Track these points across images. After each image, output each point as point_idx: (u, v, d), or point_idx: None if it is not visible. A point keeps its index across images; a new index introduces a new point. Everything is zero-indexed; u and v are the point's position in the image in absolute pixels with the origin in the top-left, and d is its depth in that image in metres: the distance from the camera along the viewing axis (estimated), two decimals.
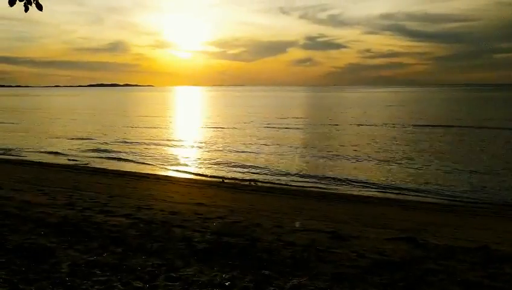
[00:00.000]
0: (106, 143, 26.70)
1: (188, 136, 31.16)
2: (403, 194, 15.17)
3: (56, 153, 23.42)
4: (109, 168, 19.31)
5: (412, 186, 16.14)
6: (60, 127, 38.46)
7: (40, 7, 4.72)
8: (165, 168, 19.86)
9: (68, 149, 24.81)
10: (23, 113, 58.85)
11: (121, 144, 26.46)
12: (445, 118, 42.72)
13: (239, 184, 16.61)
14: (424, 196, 14.85)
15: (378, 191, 15.62)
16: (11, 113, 60.31)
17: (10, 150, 24.70)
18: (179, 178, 17.51)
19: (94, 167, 19.21)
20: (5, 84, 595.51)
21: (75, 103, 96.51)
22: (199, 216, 8.89)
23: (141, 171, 18.49)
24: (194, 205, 10.63)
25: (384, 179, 17.25)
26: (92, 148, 24.99)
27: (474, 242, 7.43)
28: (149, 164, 20.89)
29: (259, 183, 16.87)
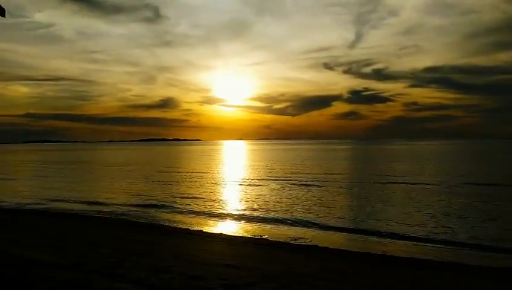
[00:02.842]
0: (148, 197, 25.96)
1: (229, 190, 29.92)
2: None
3: (92, 203, 22.87)
4: (139, 221, 18.26)
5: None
6: (106, 180, 38.59)
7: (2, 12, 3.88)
8: (200, 223, 18.48)
9: (107, 202, 24.24)
10: (79, 166, 60.44)
11: (162, 197, 25.57)
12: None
13: (278, 242, 14.90)
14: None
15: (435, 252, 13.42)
16: (69, 165, 62.17)
17: (48, 200, 24.46)
18: (213, 234, 16.00)
19: (122, 220, 18.22)
20: (64, 140, 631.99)
21: (122, 156, 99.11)
22: (224, 282, 7.36)
23: (173, 225, 17.23)
24: (221, 266, 9.09)
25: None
26: (133, 202, 24.28)
27: None
28: (185, 217, 19.66)
29: (301, 242, 15.07)
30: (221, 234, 16.05)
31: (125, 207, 22.45)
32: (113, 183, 35.14)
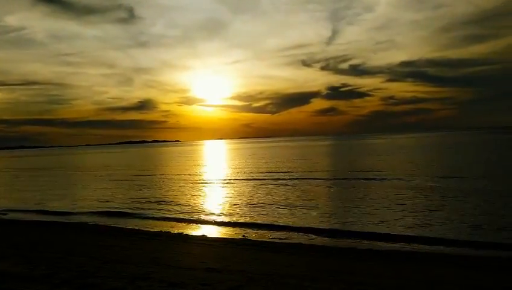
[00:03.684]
0: (125, 200, 25.15)
1: (208, 191, 29.36)
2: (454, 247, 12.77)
3: (64, 214, 21.98)
4: (119, 226, 17.65)
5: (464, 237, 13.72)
6: (80, 186, 37.58)
7: None
8: (181, 226, 17.96)
9: (82, 207, 23.43)
10: (54, 172, 58.87)
11: (140, 201, 24.74)
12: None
13: (261, 242, 14.54)
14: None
15: (423, 245, 13.27)
16: (42, 172, 60.47)
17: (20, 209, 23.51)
18: (194, 236, 15.53)
19: (99, 226, 17.56)
20: (40, 145, 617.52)
21: (98, 160, 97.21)
22: (206, 288, 6.98)
23: (153, 230, 16.66)
24: (203, 271, 8.67)
25: (426, 230, 14.87)
26: (109, 206, 23.49)
27: None
28: (166, 220, 19.07)
29: (285, 240, 14.75)
30: (202, 236, 15.60)
31: (99, 213, 21.70)
32: (86, 188, 34.18)
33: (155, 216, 20.01)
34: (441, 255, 11.89)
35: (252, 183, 31.43)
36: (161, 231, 16.36)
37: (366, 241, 13.96)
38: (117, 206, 23.26)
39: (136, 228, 17.28)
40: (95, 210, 22.24)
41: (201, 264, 9.40)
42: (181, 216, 19.80)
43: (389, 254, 12.06)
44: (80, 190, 33.48)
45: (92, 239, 13.61)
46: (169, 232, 16.02)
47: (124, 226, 17.78)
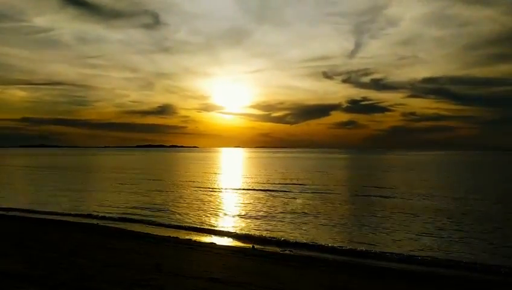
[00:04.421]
0: (140, 205, 24.94)
1: (222, 198, 29.07)
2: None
3: (85, 215, 21.89)
4: (128, 229, 17.45)
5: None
6: (93, 187, 37.76)
7: None
8: (191, 232, 17.67)
9: (98, 209, 23.38)
10: (71, 172, 59.53)
11: (152, 207, 24.53)
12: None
13: (271, 253, 14.13)
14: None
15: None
16: (58, 171, 61.21)
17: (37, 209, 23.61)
18: (203, 243, 15.21)
19: (108, 227, 17.39)
20: (61, 145, 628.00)
21: (115, 162, 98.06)
22: None
23: (161, 234, 16.39)
24: (206, 280, 8.30)
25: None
26: (120, 210, 23.36)
27: None
28: (176, 227, 18.76)
29: (295, 253, 14.31)
30: (211, 244, 15.28)
31: (112, 214, 21.63)
32: (100, 190, 34.28)
33: (165, 222, 19.71)
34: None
35: (265, 193, 31.01)
36: (169, 236, 16.09)
37: (379, 261, 13.42)
38: (128, 210, 23.09)
39: (145, 231, 17.03)
40: (105, 214, 22.12)
41: (205, 274, 9.04)
42: (191, 223, 19.52)
43: (403, 273, 11.50)
44: (93, 191, 33.56)
45: (98, 241, 13.39)
46: (177, 238, 15.74)
47: (132, 229, 17.59)
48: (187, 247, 13.73)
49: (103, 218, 20.78)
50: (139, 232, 16.97)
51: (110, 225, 18.62)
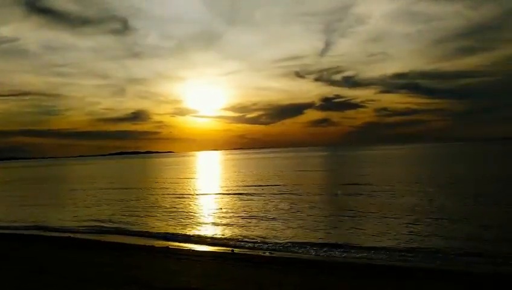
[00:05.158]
0: (113, 214, 24.10)
1: (199, 203, 28.54)
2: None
3: (44, 228, 21.02)
4: (102, 240, 16.80)
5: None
6: (68, 198, 36.63)
7: None
8: (167, 239, 17.15)
9: (68, 222, 22.54)
10: (39, 185, 57.72)
11: (126, 215, 23.78)
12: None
13: (252, 255, 13.80)
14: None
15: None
16: (25, 184, 59.26)
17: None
18: (181, 250, 14.72)
19: (81, 240, 16.70)
20: (32, 157, 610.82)
21: (85, 172, 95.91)
22: None
23: (137, 243, 15.82)
24: None
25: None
26: (94, 219, 22.58)
27: None
28: (151, 235, 18.12)
29: (276, 253, 14.03)
30: (189, 251, 14.81)
31: (84, 226, 20.87)
32: (71, 202, 33.24)
33: (139, 231, 19.06)
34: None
35: (241, 196, 30.59)
36: (144, 245, 15.52)
37: (361, 258, 13.27)
38: (101, 221, 22.28)
39: (120, 242, 16.42)
40: (79, 225, 21.34)
41: (182, 283, 8.63)
42: (167, 230, 18.94)
43: (387, 268, 11.34)
44: (63, 204, 32.47)
45: (71, 255, 12.76)
46: (153, 247, 15.20)
47: (108, 240, 16.94)
48: (163, 255, 13.24)
49: (75, 231, 19.97)
50: (114, 242, 16.35)
51: (83, 237, 17.90)
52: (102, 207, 27.44)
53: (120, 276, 9.29)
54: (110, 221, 21.87)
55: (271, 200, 27.07)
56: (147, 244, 15.61)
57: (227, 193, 33.28)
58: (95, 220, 22.27)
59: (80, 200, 32.17)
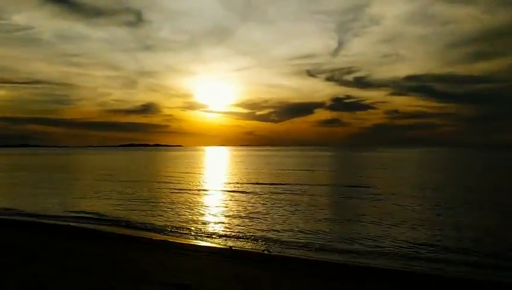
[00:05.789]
0: (115, 206, 24.03)
1: (203, 198, 28.33)
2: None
3: (43, 216, 20.98)
4: (101, 230, 16.69)
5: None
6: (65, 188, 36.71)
7: None
8: (166, 232, 16.97)
9: (71, 210, 22.50)
10: (46, 173, 58.07)
11: (129, 207, 23.72)
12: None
13: (250, 253, 13.59)
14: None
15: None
16: (32, 172, 59.65)
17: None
18: (178, 244, 14.53)
19: (76, 228, 16.60)
20: (43, 145, 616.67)
21: (93, 163, 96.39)
22: None
23: (134, 235, 15.68)
24: (172, 287, 7.70)
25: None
26: (95, 211, 22.49)
27: None
28: (150, 229, 17.95)
29: (274, 253, 13.79)
30: (186, 245, 14.60)
31: (82, 218, 20.73)
32: (77, 191, 33.28)
33: (138, 223, 18.87)
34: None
35: (244, 193, 30.36)
36: (143, 237, 15.38)
37: (358, 259, 12.98)
38: (103, 211, 22.21)
39: (117, 233, 16.28)
40: (79, 215, 21.27)
41: (173, 279, 8.43)
42: (166, 224, 18.76)
43: (383, 271, 11.05)
44: (69, 192, 32.53)
45: (65, 243, 12.63)
46: (151, 239, 15.06)
47: (105, 230, 16.82)
48: (160, 249, 13.07)
49: (75, 219, 19.90)
50: (112, 233, 16.23)
51: (81, 226, 17.80)
52: (105, 197, 27.40)
53: (111, 268, 9.12)
54: (110, 211, 21.77)
55: (274, 198, 26.80)
56: (145, 237, 15.47)
57: (229, 189, 33.05)
58: (97, 210, 22.21)
59: (86, 190, 32.18)
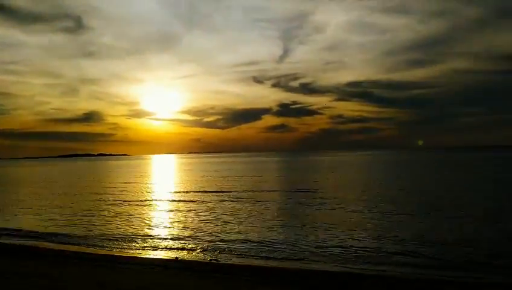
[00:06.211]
0: (48, 220, 22.59)
1: (145, 209, 27.34)
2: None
3: None
4: (26, 244, 15.53)
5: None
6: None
7: None
8: (108, 247, 16.09)
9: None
10: None
11: (64, 220, 22.38)
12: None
13: (196, 263, 13.14)
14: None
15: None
16: None
17: None
18: (120, 258, 13.79)
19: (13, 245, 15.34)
20: None
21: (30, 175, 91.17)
22: None
23: (71, 250, 14.71)
24: None
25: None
26: (27, 226, 21.00)
27: None
28: (84, 243, 16.88)
29: (222, 261, 13.44)
30: (127, 258, 13.85)
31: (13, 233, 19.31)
32: (6, 206, 31.13)
33: (74, 237, 17.82)
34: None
35: (193, 201, 29.76)
36: (83, 253, 14.46)
37: (309, 264, 12.93)
38: (34, 226, 20.78)
39: (48, 248, 15.20)
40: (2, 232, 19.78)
41: None
42: (110, 236, 17.84)
43: (335, 275, 11.03)
44: None
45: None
46: (90, 254, 14.18)
47: (36, 245, 15.66)
48: (101, 263, 12.29)
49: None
50: (40, 248, 15.11)
51: (5, 242, 16.48)
52: (36, 212, 25.72)
53: (46, 286, 8.36)
54: (43, 226, 20.41)
55: (222, 207, 26.34)
56: (86, 251, 14.55)
57: (176, 199, 32.20)
58: (26, 225, 20.74)
59: (15, 205, 30.09)
